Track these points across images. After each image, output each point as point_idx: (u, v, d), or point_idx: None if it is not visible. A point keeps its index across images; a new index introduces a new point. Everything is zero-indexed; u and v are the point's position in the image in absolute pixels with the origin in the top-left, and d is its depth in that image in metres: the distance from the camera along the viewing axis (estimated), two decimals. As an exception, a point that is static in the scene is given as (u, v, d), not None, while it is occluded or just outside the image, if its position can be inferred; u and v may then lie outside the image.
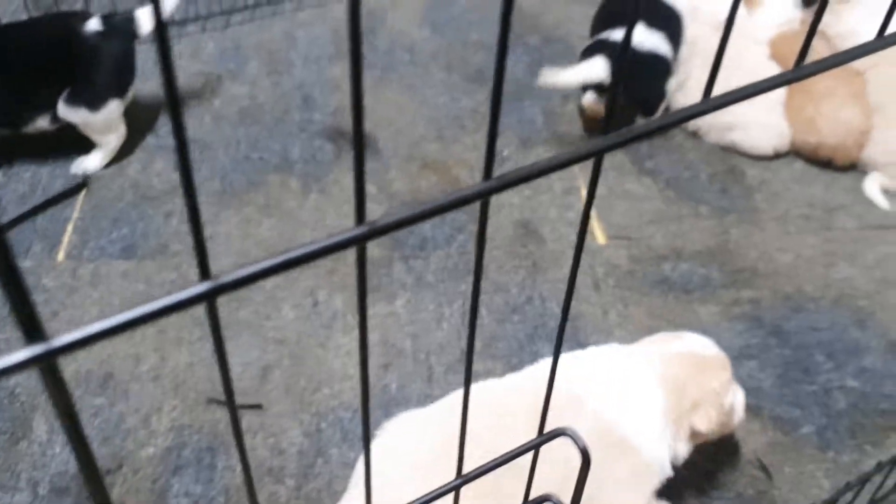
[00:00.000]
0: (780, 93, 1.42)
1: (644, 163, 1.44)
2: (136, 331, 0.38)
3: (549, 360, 0.90)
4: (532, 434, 0.48)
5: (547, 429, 0.47)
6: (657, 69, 1.43)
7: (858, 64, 1.42)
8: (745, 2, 1.51)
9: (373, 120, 1.48)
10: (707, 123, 1.44)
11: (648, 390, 0.86)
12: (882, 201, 1.36)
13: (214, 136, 1.44)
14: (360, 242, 0.31)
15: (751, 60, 1.43)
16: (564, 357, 0.88)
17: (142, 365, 1.09)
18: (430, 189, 1.36)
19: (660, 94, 1.45)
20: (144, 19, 1.32)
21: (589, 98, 1.43)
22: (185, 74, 1.55)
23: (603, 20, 1.51)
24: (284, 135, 1.45)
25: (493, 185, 0.34)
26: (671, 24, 1.46)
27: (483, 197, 0.34)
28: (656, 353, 0.90)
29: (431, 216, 0.32)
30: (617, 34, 1.43)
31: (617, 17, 1.48)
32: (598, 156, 0.37)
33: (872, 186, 1.37)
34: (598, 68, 1.37)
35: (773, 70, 1.45)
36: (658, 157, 1.45)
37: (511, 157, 1.43)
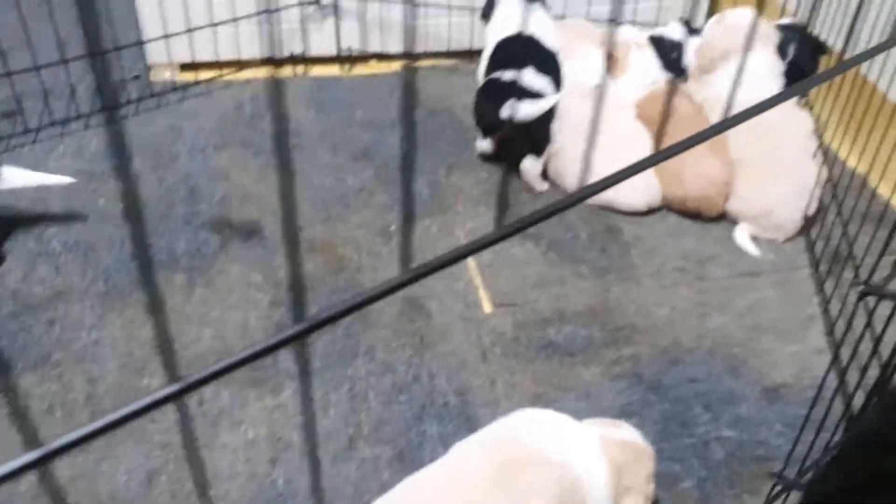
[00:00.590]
0: (647, 149, 1.49)
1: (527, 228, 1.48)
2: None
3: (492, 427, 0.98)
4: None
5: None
6: (546, 112, 1.49)
7: (717, 119, 1.50)
8: (610, 70, 1.58)
9: (259, 207, 1.50)
10: (582, 185, 1.49)
11: (599, 462, 0.94)
12: (752, 249, 1.42)
13: (99, 237, 1.44)
14: (301, 338, 0.36)
15: (618, 124, 1.49)
16: (518, 416, 0.99)
17: (20, 486, 1.07)
18: (317, 271, 1.38)
19: (547, 137, 1.51)
20: (10, 175, 1.36)
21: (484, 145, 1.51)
22: (69, 174, 1.55)
23: (495, 64, 1.57)
24: (169, 229, 1.45)
25: (407, 278, 0.39)
26: (556, 72, 1.54)
27: (405, 286, 0.39)
28: (598, 435, 0.97)
29: (362, 307, 0.38)
30: (508, 74, 1.50)
31: (508, 61, 1.55)
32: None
33: (742, 235, 1.43)
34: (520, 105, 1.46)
35: (639, 131, 1.52)
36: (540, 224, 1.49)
37: (397, 232, 1.46)
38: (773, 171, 1.42)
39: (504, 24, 1.60)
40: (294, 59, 1.86)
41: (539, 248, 1.44)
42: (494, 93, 1.50)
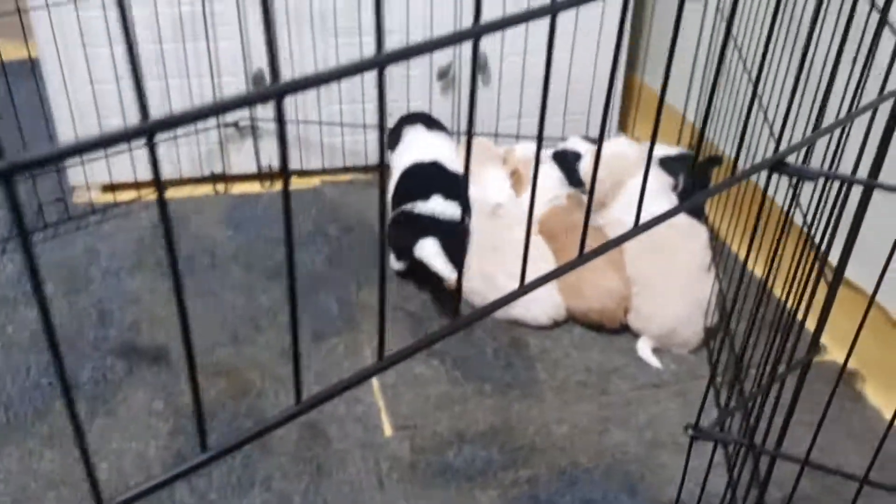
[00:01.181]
0: (549, 265, 1.52)
1: (433, 344, 1.50)
2: None
3: None
4: None
5: None
6: (458, 240, 1.52)
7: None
8: (513, 186, 1.64)
9: (168, 331, 1.51)
10: (488, 302, 1.52)
11: None
12: (654, 361, 1.45)
13: (4, 365, 1.43)
14: (205, 465, 0.38)
15: (517, 238, 1.53)
16: None
17: None
18: (219, 396, 1.38)
19: (460, 262, 1.54)
20: None
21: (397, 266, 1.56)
22: (-22, 302, 1.56)
23: (404, 193, 1.61)
24: (76, 356, 1.45)
25: (302, 408, 0.41)
26: (462, 195, 1.58)
27: (295, 417, 0.41)
28: None
29: (261, 436, 0.40)
30: (420, 206, 1.54)
31: (417, 189, 1.59)
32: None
33: (644, 348, 1.46)
34: (436, 250, 1.49)
35: (541, 246, 1.56)
36: (447, 337, 1.51)
37: (305, 352, 1.47)
38: (670, 289, 1.46)
39: (410, 152, 1.65)
40: (214, 178, 1.89)
41: (444, 366, 1.45)
42: (406, 223, 1.54)
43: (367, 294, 1.60)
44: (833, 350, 1.46)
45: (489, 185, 1.63)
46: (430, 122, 1.74)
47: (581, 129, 1.98)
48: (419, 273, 1.58)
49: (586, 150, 1.71)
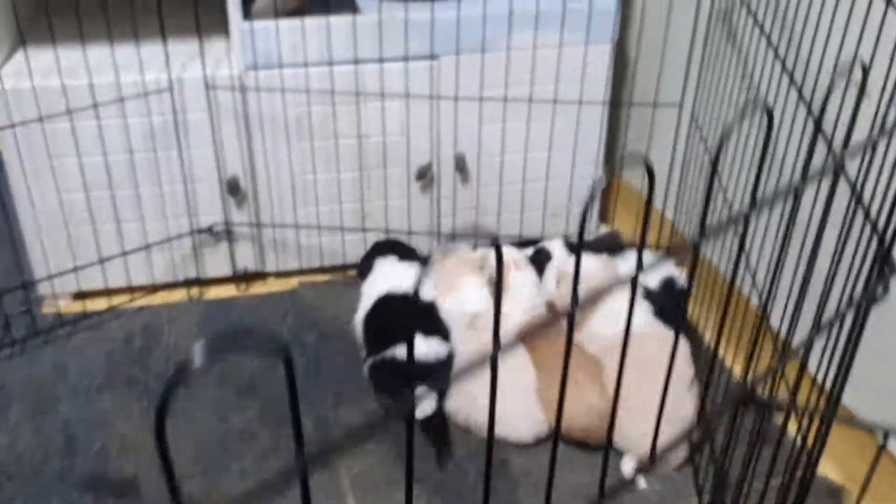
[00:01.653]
0: (530, 380, 1.49)
1: (415, 467, 1.45)
2: None
3: None
4: None
5: None
6: (442, 364, 1.50)
7: (597, 352, 1.51)
8: (491, 293, 1.60)
9: (138, 459, 1.45)
10: (473, 421, 1.49)
11: None
12: (640, 482, 1.40)
13: (-37, 503, 1.37)
14: None
15: (506, 363, 1.50)
16: None
17: None
18: (192, 535, 1.33)
19: (445, 387, 1.51)
20: None
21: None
22: (-59, 429, 1.50)
23: (379, 333, 1.57)
24: (41, 489, 1.40)
25: None
26: (440, 326, 1.55)
27: None
28: None
29: None
30: (401, 351, 1.50)
31: (394, 330, 1.55)
32: None
33: (628, 468, 1.42)
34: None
35: (523, 359, 1.52)
36: (428, 459, 1.46)
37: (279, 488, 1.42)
38: (650, 409, 1.42)
39: (382, 281, 1.63)
40: (188, 283, 1.86)
41: (425, 491, 1.40)
42: (390, 371, 1.51)
43: (346, 411, 1.56)
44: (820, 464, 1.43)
45: (466, 295, 1.60)
46: (404, 253, 1.72)
47: (562, 226, 1.95)
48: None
49: (558, 256, 1.69)
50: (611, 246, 1.73)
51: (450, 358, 1.51)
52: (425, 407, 1.45)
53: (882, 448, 0.84)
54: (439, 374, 1.49)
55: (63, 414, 1.55)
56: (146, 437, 1.50)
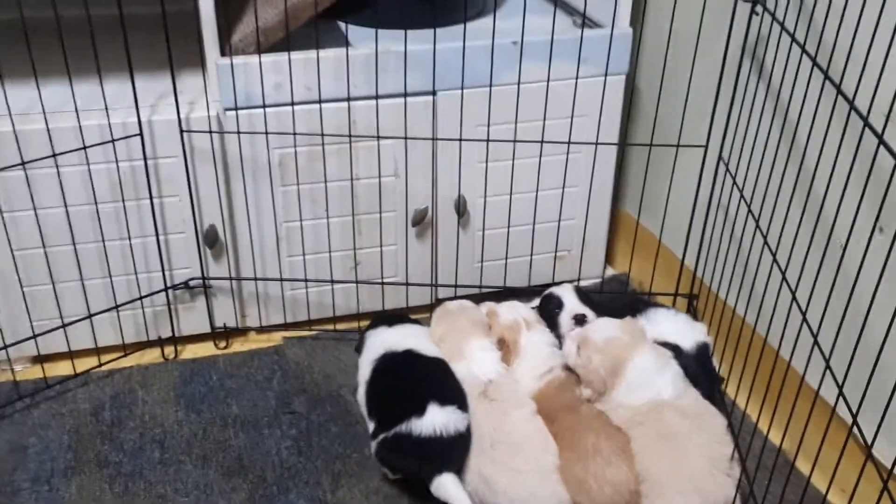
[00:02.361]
0: (551, 456, 1.34)
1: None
2: None
3: None
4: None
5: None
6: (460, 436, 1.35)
7: (623, 424, 1.37)
8: (502, 359, 1.46)
9: (111, 559, 1.28)
10: (488, 504, 1.34)
11: None
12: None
13: None
14: None
15: (516, 427, 1.36)
16: None
17: None
18: None
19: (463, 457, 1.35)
20: None
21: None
22: None
23: (384, 401, 1.41)
24: None
25: None
26: (453, 388, 1.40)
27: None
28: None
29: None
30: (416, 424, 1.32)
31: (403, 397, 1.38)
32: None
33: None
34: (456, 487, 1.31)
35: (540, 431, 1.38)
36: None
37: (277, 578, 1.26)
38: (680, 489, 1.29)
39: (376, 346, 1.48)
40: (162, 343, 1.68)
41: (441, 589, 1.25)
42: (404, 448, 1.33)
43: (345, 491, 1.40)
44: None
45: (475, 361, 1.45)
46: (393, 320, 1.55)
47: (573, 270, 1.81)
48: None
49: (569, 305, 1.55)
50: (632, 304, 1.58)
51: (468, 430, 1.35)
52: (449, 488, 1.29)
53: None
54: (458, 452, 1.33)
55: (23, 505, 1.37)
56: (121, 531, 1.33)
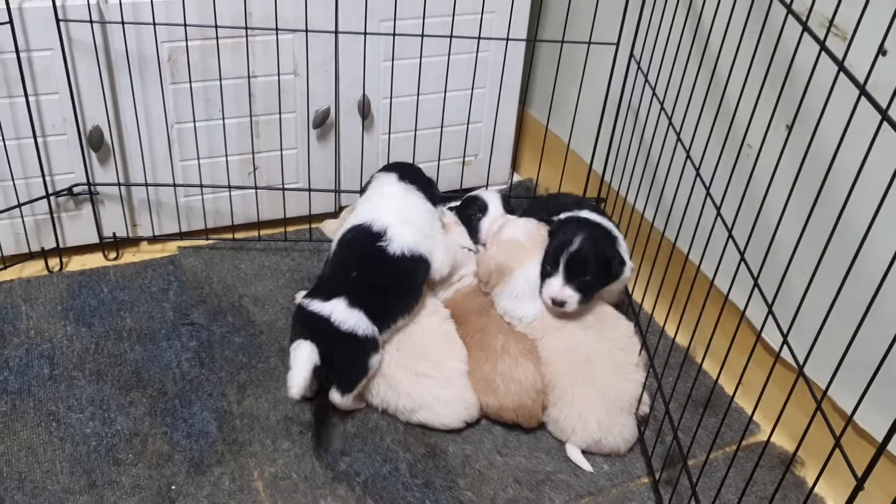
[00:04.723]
0: (462, 360, 1.34)
1: (338, 464, 1.27)
2: None
3: None
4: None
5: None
6: (360, 347, 1.30)
7: (533, 333, 1.37)
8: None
9: (1, 479, 1.20)
10: (393, 406, 1.32)
11: None
12: (586, 465, 1.29)
13: None
14: None
15: (422, 331, 1.34)
16: None
17: None
18: (80, 571, 1.10)
19: (363, 371, 1.31)
20: None
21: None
22: None
23: (324, 275, 1.40)
24: None
25: None
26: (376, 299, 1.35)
27: None
28: None
29: None
30: (317, 305, 1.29)
31: (333, 277, 1.35)
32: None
33: (573, 452, 1.30)
34: (304, 358, 1.24)
35: (448, 335, 1.36)
36: (353, 451, 1.29)
37: (182, 492, 1.21)
38: (589, 398, 1.30)
39: (364, 205, 1.41)
40: (46, 254, 1.56)
41: (354, 493, 1.23)
42: (298, 319, 1.31)
43: (252, 401, 1.35)
44: (767, 430, 1.36)
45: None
46: (405, 175, 1.44)
47: (481, 175, 1.78)
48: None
49: (493, 213, 1.52)
50: (557, 208, 1.54)
51: (366, 342, 1.30)
52: (298, 353, 1.25)
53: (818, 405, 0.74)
54: (345, 348, 1.29)
55: None
56: (10, 448, 1.24)
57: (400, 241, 1.34)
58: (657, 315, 1.53)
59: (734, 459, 1.10)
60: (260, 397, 1.36)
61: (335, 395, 1.29)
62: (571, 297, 1.33)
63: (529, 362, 1.33)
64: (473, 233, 1.51)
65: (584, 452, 1.31)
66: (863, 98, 0.79)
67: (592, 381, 1.30)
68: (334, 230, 1.46)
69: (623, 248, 1.42)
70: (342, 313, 1.28)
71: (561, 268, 1.33)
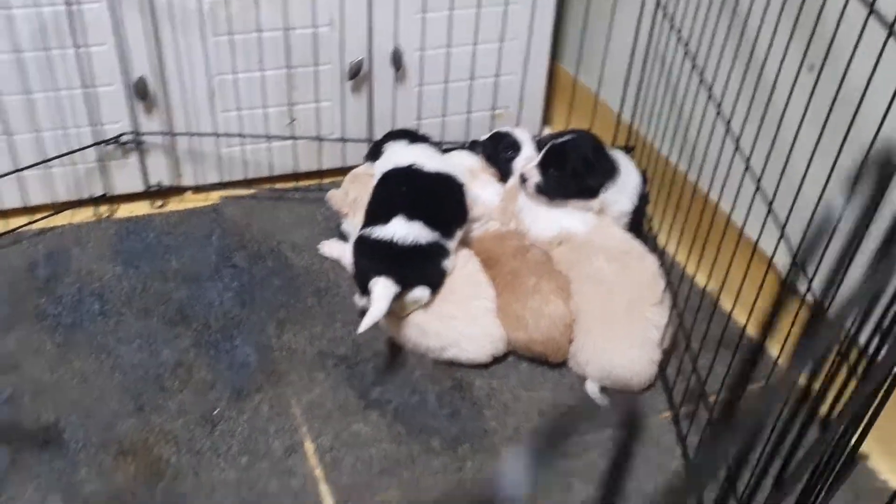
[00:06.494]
0: (489, 299, 1.39)
1: (370, 393, 1.34)
2: None
3: None
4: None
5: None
6: (429, 255, 1.38)
7: (559, 263, 1.42)
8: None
9: (57, 404, 1.28)
10: (423, 347, 1.38)
11: None
12: (602, 400, 1.34)
13: None
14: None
15: (453, 274, 1.40)
16: None
17: None
18: (128, 483, 1.18)
19: (440, 274, 1.40)
20: None
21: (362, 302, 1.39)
22: None
23: (370, 212, 1.45)
24: (-55, 446, 1.22)
25: None
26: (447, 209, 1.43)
27: None
28: None
29: None
30: (378, 231, 1.37)
31: (383, 206, 1.42)
32: None
33: (592, 388, 1.35)
34: (383, 294, 1.32)
35: (479, 278, 1.41)
36: (385, 382, 1.36)
37: (224, 416, 1.29)
38: (611, 333, 1.34)
39: (389, 161, 1.49)
40: (96, 201, 1.64)
41: (385, 420, 1.30)
42: (363, 251, 1.39)
43: (290, 336, 1.42)
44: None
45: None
46: (415, 137, 1.56)
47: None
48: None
49: (528, 144, 1.57)
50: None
51: (432, 248, 1.37)
52: (376, 291, 1.32)
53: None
54: (415, 268, 1.36)
55: (-38, 356, 1.35)
56: (63, 376, 1.33)
57: (431, 165, 1.45)
58: (684, 262, 1.56)
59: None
60: (297, 333, 1.43)
61: (417, 292, 1.35)
62: (534, 176, 1.45)
63: (560, 299, 1.38)
64: (505, 172, 1.55)
65: (603, 390, 1.35)
66: (891, 39, 0.81)
67: (612, 313, 1.34)
68: (341, 200, 1.53)
69: (625, 182, 1.49)
70: (403, 229, 1.36)
71: (541, 154, 1.46)
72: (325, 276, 1.55)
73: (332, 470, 1.22)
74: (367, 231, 1.39)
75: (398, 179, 1.45)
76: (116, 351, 1.38)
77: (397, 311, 1.37)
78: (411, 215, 1.37)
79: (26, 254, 1.55)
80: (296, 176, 1.75)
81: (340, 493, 1.19)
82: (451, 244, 1.41)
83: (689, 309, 1.44)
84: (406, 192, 1.42)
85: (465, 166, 1.53)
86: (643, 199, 1.54)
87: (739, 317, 1.28)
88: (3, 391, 1.30)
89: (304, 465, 1.23)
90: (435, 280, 1.38)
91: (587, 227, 1.45)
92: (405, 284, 1.34)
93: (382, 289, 1.32)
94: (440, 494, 1.20)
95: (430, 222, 1.38)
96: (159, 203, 1.70)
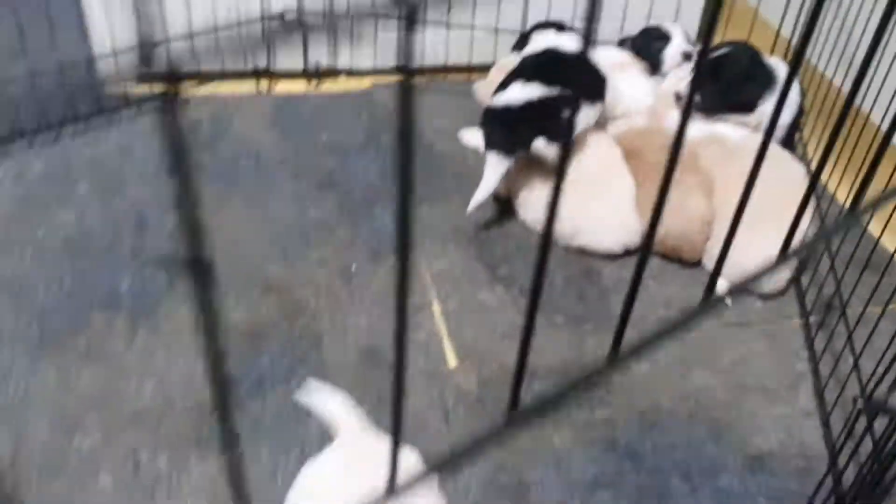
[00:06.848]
0: (628, 189, 1.39)
1: (498, 269, 1.38)
2: None
3: None
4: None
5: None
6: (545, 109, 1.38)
7: (705, 162, 1.40)
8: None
9: (211, 243, 1.39)
10: (555, 232, 1.40)
11: None
12: (728, 300, 1.33)
13: (36, 274, 1.33)
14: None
15: (594, 156, 1.40)
16: None
17: None
18: (271, 316, 1.28)
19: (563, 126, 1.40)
20: None
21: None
22: (8, 202, 1.44)
23: (500, 85, 1.46)
24: (113, 265, 1.35)
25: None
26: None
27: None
28: None
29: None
30: (495, 99, 1.41)
31: (511, 75, 1.44)
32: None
33: (723, 285, 1.34)
34: (493, 170, 1.37)
35: (617, 164, 1.42)
36: (513, 261, 1.39)
37: (360, 272, 1.36)
38: (756, 230, 1.32)
39: (531, 48, 1.51)
40: (258, 74, 1.74)
41: (510, 294, 1.34)
42: (486, 120, 1.42)
43: (426, 210, 1.48)
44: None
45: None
46: (562, 27, 1.58)
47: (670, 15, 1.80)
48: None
49: (680, 37, 1.56)
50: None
51: (548, 101, 1.36)
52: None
53: None
54: (526, 122, 1.38)
55: (132, 195, 1.48)
56: (219, 222, 1.43)
57: (572, 46, 1.45)
58: (840, 188, 1.51)
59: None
60: (433, 208, 1.48)
61: (537, 143, 1.37)
62: (683, 91, 1.44)
63: (700, 194, 1.37)
64: (655, 64, 1.55)
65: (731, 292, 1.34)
66: None
67: (755, 214, 1.32)
68: (485, 90, 1.55)
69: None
70: (517, 92, 1.37)
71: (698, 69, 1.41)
72: (465, 163, 1.59)
73: (456, 329, 1.28)
74: (489, 102, 1.42)
75: (533, 57, 1.46)
76: (268, 205, 1.47)
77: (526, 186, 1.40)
78: (529, 78, 1.38)
79: (192, 115, 1.67)
80: (445, 69, 1.80)
81: (462, 350, 1.25)
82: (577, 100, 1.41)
83: (838, 230, 1.41)
84: (531, 61, 1.43)
85: (613, 60, 1.53)
86: (800, 111, 1.50)
87: (887, 244, 1.25)
88: (165, 226, 1.42)
89: (431, 322, 1.28)
90: (553, 130, 1.37)
91: (738, 133, 1.42)
92: (516, 151, 1.36)
93: (492, 164, 1.35)
94: (559, 363, 1.23)
95: (549, 81, 1.37)
96: (315, 83, 1.78)
